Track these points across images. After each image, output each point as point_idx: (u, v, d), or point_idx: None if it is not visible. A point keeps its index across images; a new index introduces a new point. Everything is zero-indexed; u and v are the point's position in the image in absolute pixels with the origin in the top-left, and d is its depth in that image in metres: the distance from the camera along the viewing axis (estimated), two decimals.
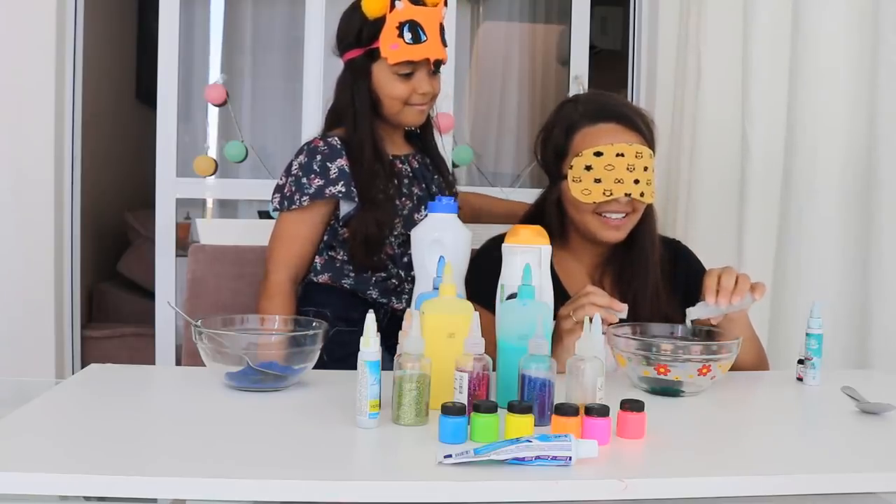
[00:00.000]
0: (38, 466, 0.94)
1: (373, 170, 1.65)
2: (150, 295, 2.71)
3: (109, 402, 1.24)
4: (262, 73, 3.64)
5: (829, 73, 2.37)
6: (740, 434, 1.21)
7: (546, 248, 1.34)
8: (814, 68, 2.37)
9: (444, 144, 2.58)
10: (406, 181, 1.73)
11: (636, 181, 1.52)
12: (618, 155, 1.51)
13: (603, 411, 1.07)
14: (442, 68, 1.73)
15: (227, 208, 3.75)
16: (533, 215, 1.65)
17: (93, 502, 0.99)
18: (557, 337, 1.40)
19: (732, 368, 1.48)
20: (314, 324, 1.36)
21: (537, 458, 0.97)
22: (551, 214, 1.60)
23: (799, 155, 2.40)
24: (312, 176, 1.65)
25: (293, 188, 1.67)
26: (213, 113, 3.48)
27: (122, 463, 0.97)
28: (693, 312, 1.44)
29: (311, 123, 2.59)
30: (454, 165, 2.80)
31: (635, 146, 1.52)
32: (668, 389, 1.32)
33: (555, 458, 0.97)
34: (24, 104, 2.46)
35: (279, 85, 3.63)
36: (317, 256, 1.71)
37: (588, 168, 1.52)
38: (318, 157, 1.66)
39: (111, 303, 3.27)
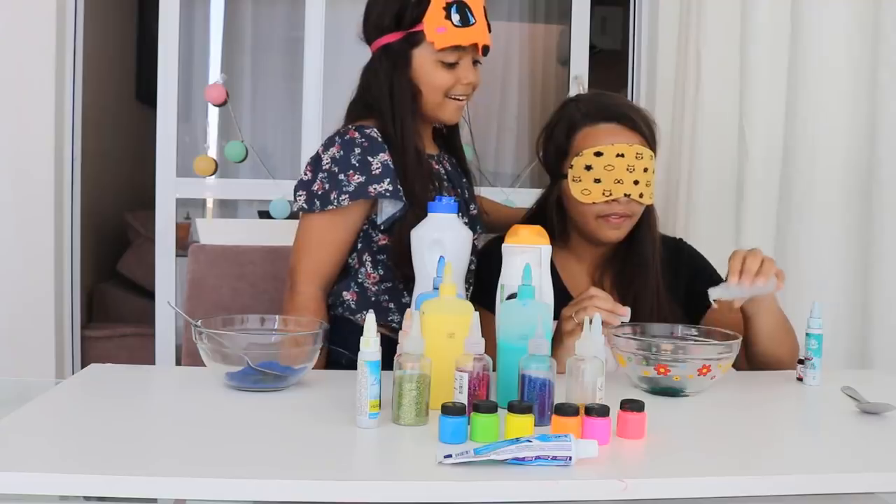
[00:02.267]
0: (38, 466, 0.94)
1: (417, 167, 1.51)
2: (150, 295, 2.71)
3: (109, 402, 1.24)
4: (262, 73, 3.64)
5: (828, 72, 2.37)
6: (740, 434, 1.21)
7: (546, 248, 1.34)
8: (813, 68, 2.38)
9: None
10: (445, 183, 1.61)
11: (636, 182, 1.52)
12: (618, 155, 1.51)
13: (603, 411, 1.07)
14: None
15: (227, 208, 3.75)
16: (534, 214, 1.65)
17: (93, 502, 0.99)
18: (558, 337, 1.40)
19: (767, 365, 1.50)
20: (316, 324, 1.36)
21: (537, 458, 0.97)
22: (552, 214, 1.60)
23: (798, 155, 2.40)
24: (351, 172, 1.48)
25: (327, 185, 1.49)
26: (213, 113, 3.48)
27: (122, 463, 0.97)
28: (715, 292, 1.42)
29: (312, 123, 2.59)
30: None
31: (636, 147, 1.52)
32: (668, 389, 1.32)
33: (555, 458, 0.97)
34: (24, 104, 2.46)
35: (279, 85, 3.64)
36: (345, 292, 1.56)
37: (588, 168, 1.52)
38: (357, 150, 1.49)
39: (111, 303, 3.27)
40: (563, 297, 1.56)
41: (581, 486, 0.95)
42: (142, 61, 3.75)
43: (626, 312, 1.38)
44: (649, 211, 1.60)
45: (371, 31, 1.57)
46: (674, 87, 2.50)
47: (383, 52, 1.55)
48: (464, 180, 1.70)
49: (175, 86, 2.56)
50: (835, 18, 2.36)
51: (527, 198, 2.49)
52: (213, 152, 3.42)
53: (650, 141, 1.57)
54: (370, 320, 1.12)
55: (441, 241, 1.37)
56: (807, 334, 1.45)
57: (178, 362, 2.35)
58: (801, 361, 1.46)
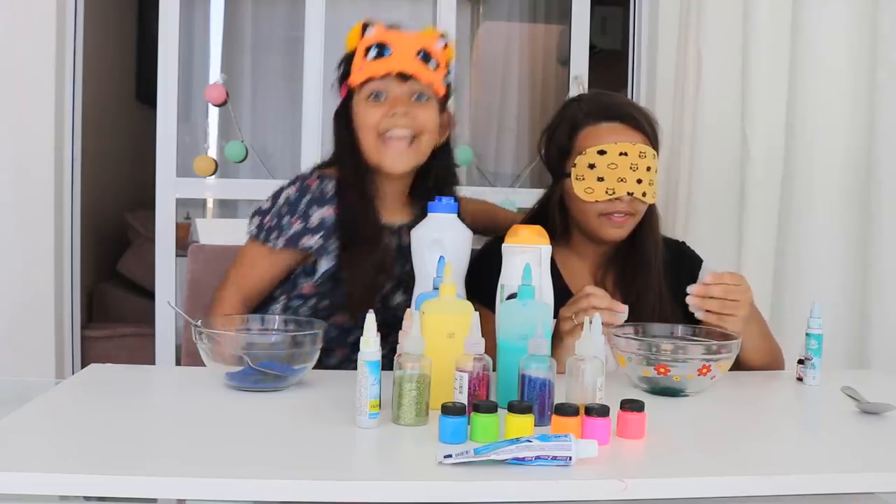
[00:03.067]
0: (38, 466, 0.94)
1: (358, 224, 1.49)
2: (150, 295, 2.71)
3: (109, 402, 1.24)
4: (262, 73, 3.64)
5: (828, 72, 2.37)
6: (740, 434, 1.21)
7: (546, 248, 1.34)
8: (813, 68, 2.38)
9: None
10: (389, 259, 1.54)
11: (639, 181, 1.52)
12: (621, 154, 1.51)
13: (603, 411, 1.07)
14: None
15: (227, 208, 3.75)
16: (536, 214, 1.65)
17: (93, 502, 0.99)
18: (558, 337, 1.40)
19: (741, 367, 1.48)
20: (313, 324, 1.36)
21: (537, 458, 0.97)
22: (554, 213, 1.60)
23: (799, 155, 2.40)
24: (295, 218, 1.50)
25: (273, 222, 1.52)
26: (213, 113, 3.48)
27: (122, 463, 0.97)
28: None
29: (312, 123, 2.59)
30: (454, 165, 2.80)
31: (638, 146, 1.53)
32: (668, 389, 1.32)
33: (555, 458, 0.97)
34: (24, 104, 2.46)
35: (279, 85, 3.63)
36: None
37: (591, 167, 1.52)
38: (307, 199, 1.51)
39: (111, 303, 3.27)
40: (565, 296, 1.55)
41: (581, 486, 0.95)
42: (142, 61, 3.75)
43: (623, 310, 1.39)
44: (651, 210, 1.60)
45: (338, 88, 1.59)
46: (674, 87, 2.50)
47: (334, 118, 1.58)
48: None
49: (175, 86, 2.56)
50: (835, 18, 2.36)
51: (527, 198, 2.49)
52: (213, 152, 3.41)
53: (653, 140, 1.58)
54: (370, 320, 1.12)
55: (441, 241, 1.37)
56: (807, 334, 1.45)
57: (178, 362, 2.35)
58: (801, 361, 1.46)
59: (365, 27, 1.53)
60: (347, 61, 1.55)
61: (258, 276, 1.55)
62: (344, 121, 1.55)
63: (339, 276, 1.53)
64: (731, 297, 1.42)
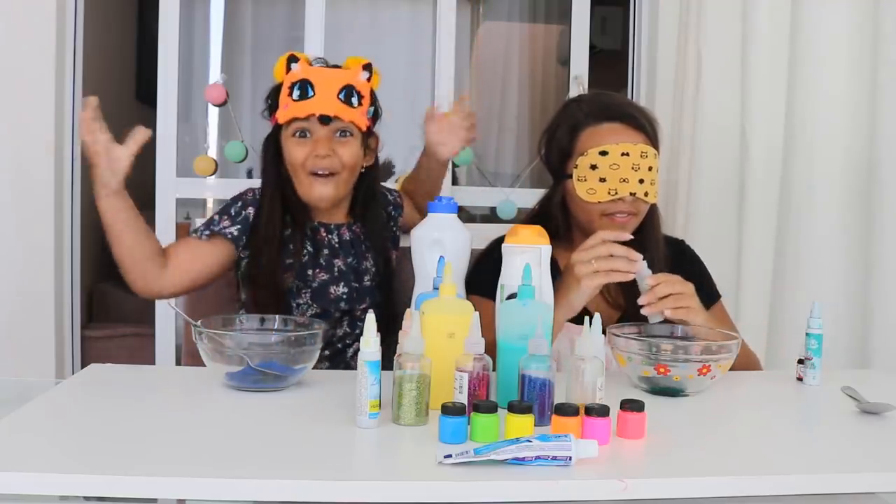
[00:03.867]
0: (38, 466, 0.94)
1: (267, 233, 1.62)
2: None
3: (109, 402, 1.24)
4: (262, 73, 3.63)
5: (829, 72, 2.37)
6: (740, 434, 1.21)
7: (546, 248, 1.34)
8: (813, 68, 2.38)
9: None
10: (326, 251, 1.67)
11: (641, 181, 1.52)
12: (623, 154, 1.52)
13: (603, 411, 1.07)
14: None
15: None
16: (537, 215, 1.66)
17: (93, 502, 0.99)
18: (572, 280, 1.40)
19: None
20: (313, 324, 1.36)
21: (537, 458, 0.97)
22: (556, 214, 1.61)
23: (799, 155, 2.40)
24: (224, 216, 1.65)
25: (207, 221, 1.66)
26: (213, 113, 3.47)
27: (122, 463, 0.97)
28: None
29: None
30: (454, 165, 2.80)
31: (640, 146, 1.53)
32: (668, 389, 1.32)
33: (555, 458, 0.97)
34: (24, 104, 2.46)
35: None
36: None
37: (593, 167, 1.53)
38: (240, 203, 1.66)
39: (111, 303, 3.27)
40: None
41: (581, 486, 0.95)
42: (142, 61, 3.75)
43: (638, 257, 1.40)
44: (653, 210, 1.61)
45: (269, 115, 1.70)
46: (674, 87, 2.50)
47: (263, 144, 1.70)
48: (371, 248, 1.73)
49: (175, 86, 2.55)
50: (835, 18, 2.36)
51: (527, 198, 2.49)
52: (213, 152, 3.41)
53: (653, 140, 1.58)
54: (370, 320, 1.12)
55: (441, 241, 1.37)
56: (807, 334, 1.45)
57: (178, 362, 2.35)
58: (801, 361, 1.46)
59: (290, 61, 1.63)
60: (275, 93, 1.65)
61: (190, 260, 1.61)
62: (273, 146, 1.67)
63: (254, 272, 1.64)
64: (677, 290, 1.43)
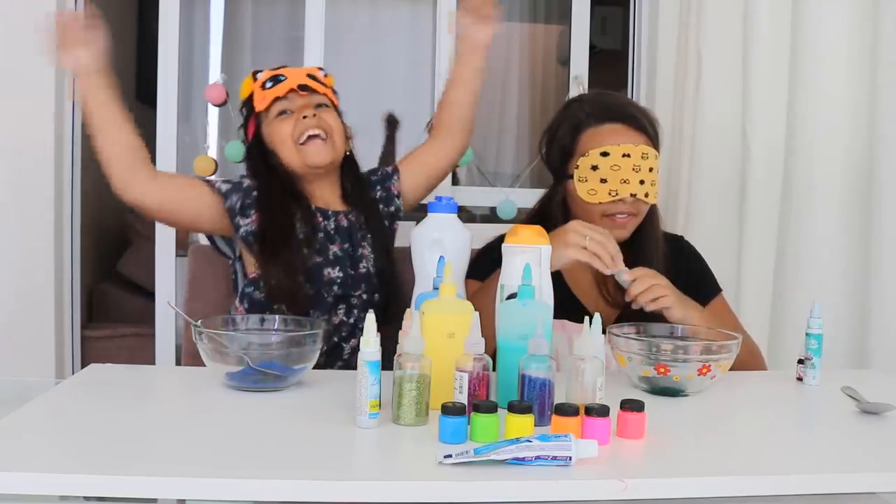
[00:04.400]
0: (38, 466, 0.94)
1: (277, 218, 1.63)
2: (150, 295, 2.71)
3: (109, 402, 1.24)
4: None
5: (829, 72, 2.37)
6: (740, 434, 1.21)
7: (546, 248, 1.34)
8: (814, 68, 2.38)
9: None
10: (321, 235, 1.67)
11: (641, 181, 1.53)
12: (624, 155, 1.52)
13: (603, 411, 1.07)
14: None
15: None
16: (537, 214, 1.66)
17: (93, 502, 0.99)
18: (557, 240, 1.40)
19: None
20: (313, 324, 1.36)
21: (537, 458, 0.97)
22: (556, 213, 1.61)
23: (799, 154, 2.40)
24: (221, 180, 1.68)
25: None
26: (213, 113, 3.47)
27: (122, 463, 0.97)
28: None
29: None
30: (454, 165, 2.80)
31: (641, 147, 1.54)
32: (668, 389, 1.32)
33: (555, 458, 0.97)
34: (24, 105, 2.46)
35: None
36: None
37: (594, 168, 1.53)
38: (238, 177, 1.70)
39: (111, 303, 3.27)
40: (566, 296, 1.56)
41: (581, 486, 0.95)
42: (142, 61, 3.74)
43: (620, 262, 1.43)
44: (653, 210, 1.61)
45: (245, 136, 1.75)
46: (674, 87, 2.50)
47: (248, 149, 1.74)
48: (368, 236, 1.73)
49: (175, 86, 2.56)
50: (835, 18, 2.36)
51: (527, 198, 2.49)
52: (213, 152, 3.41)
53: (654, 140, 1.59)
54: (370, 320, 1.12)
55: (441, 241, 1.37)
56: (807, 334, 1.45)
57: (178, 362, 2.35)
58: (801, 361, 1.46)
59: (254, 75, 1.71)
60: (247, 104, 1.71)
61: (177, 186, 1.64)
62: (258, 153, 1.70)
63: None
64: (647, 284, 1.45)
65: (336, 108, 1.73)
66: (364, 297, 1.66)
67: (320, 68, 1.76)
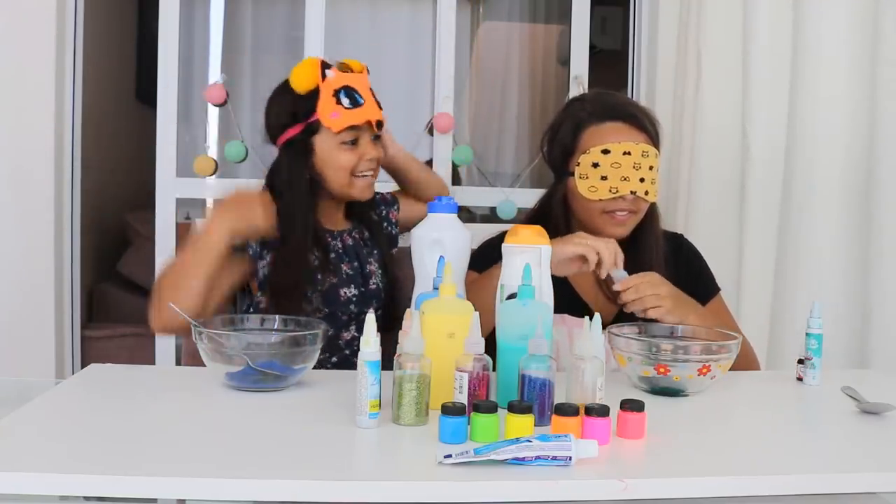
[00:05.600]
0: (38, 466, 0.94)
1: (300, 247, 1.61)
2: (149, 295, 2.70)
3: (109, 402, 1.24)
4: (262, 73, 3.63)
5: (829, 71, 2.37)
6: (740, 434, 1.21)
7: (546, 248, 1.34)
8: (814, 67, 2.38)
9: (445, 144, 2.58)
10: (333, 256, 1.68)
11: (641, 179, 1.54)
12: (624, 153, 1.53)
13: (603, 411, 1.07)
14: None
15: None
16: (537, 213, 1.67)
17: (93, 502, 0.99)
18: (564, 243, 1.42)
19: None
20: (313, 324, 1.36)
21: (537, 458, 0.97)
22: (557, 211, 1.63)
23: (799, 154, 2.40)
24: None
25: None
26: (213, 113, 3.47)
27: (122, 463, 0.97)
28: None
29: None
30: (455, 165, 2.80)
31: (641, 145, 1.55)
32: (668, 389, 1.32)
33: (555, 458, 0.97)
34: (24, 104, 2.46)
35: None
36: None
37: (595, 165, 1.54)
38: None
39: (111, 303, 3.27)
40: (567, 293, 1.57)
41: (581, 486, 0.95)
42: (142, 61, 3.75)
43: (620, 274, 1.44)
44: (652, 208, 1.63)
45: (273, 131, 1.67)
46: (674, 87, 2.50)
47: (286, 147, 1.65)
48: (375, 251, 1.75)
49: (175, 86, 2.55)
50: (835, 18, 2.36)
51: (527, 198, 2.49)
52: (213, 152, 3.41)
53: (654, 139, 1.60)
54: (370, 320, 1.12)
55: (441, 241, 1.37)
56: (807, 334, 1.45)
57: (178, 362, 2.35)
58: (801, 361, 1.46)
59: (324, 67, 1.62)
60: (307, 101, 1.61)
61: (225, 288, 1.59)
62: (301, 150, 1.63)
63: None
64: (647, 293, 1.44)
65: None
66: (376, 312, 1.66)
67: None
